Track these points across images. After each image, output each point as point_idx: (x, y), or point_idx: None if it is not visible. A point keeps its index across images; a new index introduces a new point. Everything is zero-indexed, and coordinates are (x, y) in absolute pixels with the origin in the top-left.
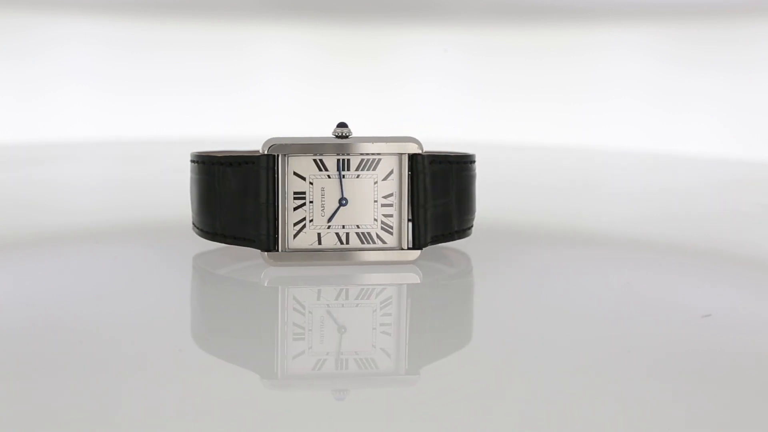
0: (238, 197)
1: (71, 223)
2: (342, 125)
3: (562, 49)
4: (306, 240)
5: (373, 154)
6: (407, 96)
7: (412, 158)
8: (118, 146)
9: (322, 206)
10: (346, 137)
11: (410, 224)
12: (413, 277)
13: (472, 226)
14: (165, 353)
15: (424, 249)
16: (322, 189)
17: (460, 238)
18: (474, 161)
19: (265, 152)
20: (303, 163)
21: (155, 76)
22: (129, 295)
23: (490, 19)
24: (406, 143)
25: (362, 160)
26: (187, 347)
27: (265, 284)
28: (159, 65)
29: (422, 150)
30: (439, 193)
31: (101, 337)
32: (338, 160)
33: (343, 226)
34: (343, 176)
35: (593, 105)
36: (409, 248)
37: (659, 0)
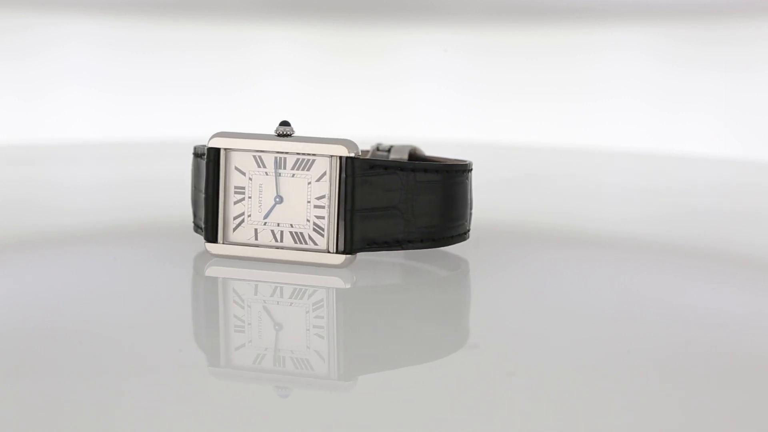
0: (195, 188)
1: (71, 224)
2: (284, 123)
3: (562, 49)
4: (244, 234)
5: (308, 154)
6: (407, 96)
7: (349, 161)
8: (118, 147)
9: (260, 202)
10: (288, 135)
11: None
12: (337, 281)
13: (461, 234)
14: (163, 353)
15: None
16: (260, 185)
17: (427, 247)
18: (465, 170)
19: (209, 146)
20: (244, 159)
21: (155, 76)
22: (125, 295)
23: (490, 19)
24: (336, 145)
25: (298, 159)
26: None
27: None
28: (159, 65)
29: (356, 153)
30: (380, 199)
31: (101, 337)
32: (275, 158)
33: (278, 224)
34: (280, 174)
35: (593, 105)
36: (338, 252)
37: (659, 0)
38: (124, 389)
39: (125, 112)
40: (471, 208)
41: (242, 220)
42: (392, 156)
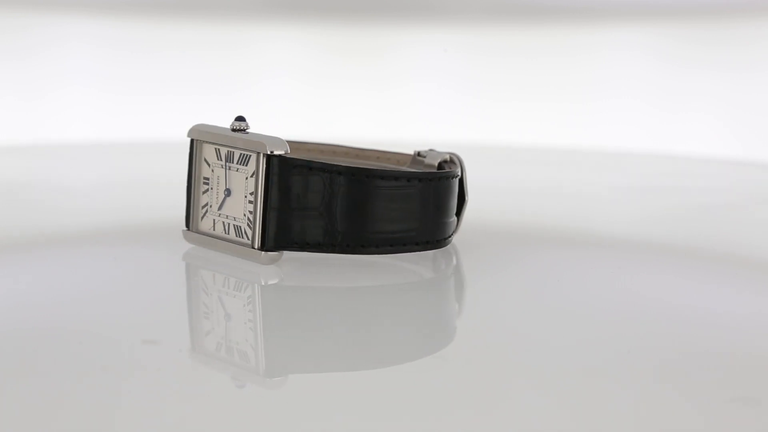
0: None
1: (71, 224)
2: (239, 119)
3: (562, 49)
4: (207, 224)
5: (245, 150)
6: (407, 96)
7: (272, 159)
8: (118, 146)
9: (217, 194)
10: (242, 131)
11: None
12: (270, 278)
13: (411, 244)
14: (163, 353)
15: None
16: (218, 177)
17: (352, 252)
18: (411, 178)
19: (188, 136)
20: (209, 151)
21: (155, 76)
22: (125, 295)
23: (490, 19)
24: (262, 142)
25: (241, 154)
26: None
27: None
28: (159, 65)
29: (284, 151)
30: (301, 199)
31: (101, 337)
32: (227, 152)
33: (227, 216)
34: (229, 168)
35: (593, 105)
36: (260, 248)
37: (659, 0)
38: (123, 389)
39: (125, 112)
40: (443, 217)
41: (206, 211)
42: (426, 162)
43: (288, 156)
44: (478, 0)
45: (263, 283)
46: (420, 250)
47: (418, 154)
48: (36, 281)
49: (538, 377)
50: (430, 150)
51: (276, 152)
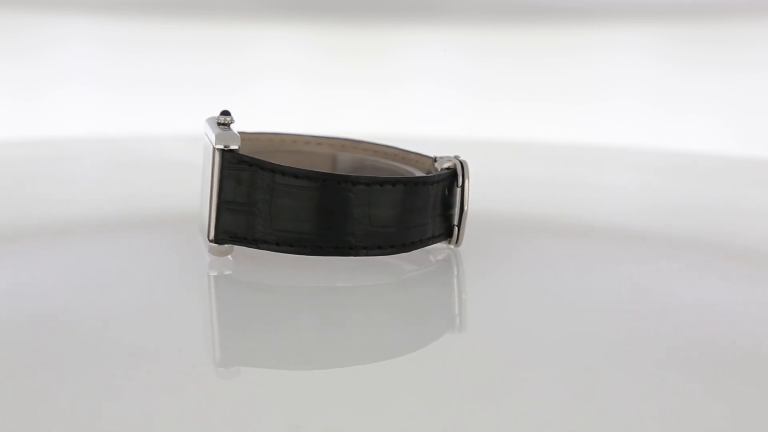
0: None
1: (71, 223)
2: (224, 113)
3: (562, 49)
4: (204, 215)
5: (212, 143)
6: (407, 96)
7: (220, 153)
8: (118, 146)
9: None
10: (226, 125)
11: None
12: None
13: (343, 247)
14: (163, 351)
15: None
16: (208, 169)
17: (286, 251)
18: (353, 182)
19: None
20: (208, 143)
21: (155, 76)
22: (127, 289)
23: (490, 19)
24: (215, 136)
25: (215, 148)
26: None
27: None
28: (159, 65)
29: (236, 145)
30: (243, 195)
31: (100, 330)
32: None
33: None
34: (210, 160)
35: (593, 105)
36: (212, 240)
37: (659, 0)
38: (122, 382)
39: (126, 111)
40: (406, 222)
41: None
42: (436, 167)
43: (239, 152)
44: (479, 0)
45: (213, 275)
46: (339, 255)
47: (435, 159)
48: (38, 274)
49: (531, 372)
50: (455, 156)
51: (230, 147)
